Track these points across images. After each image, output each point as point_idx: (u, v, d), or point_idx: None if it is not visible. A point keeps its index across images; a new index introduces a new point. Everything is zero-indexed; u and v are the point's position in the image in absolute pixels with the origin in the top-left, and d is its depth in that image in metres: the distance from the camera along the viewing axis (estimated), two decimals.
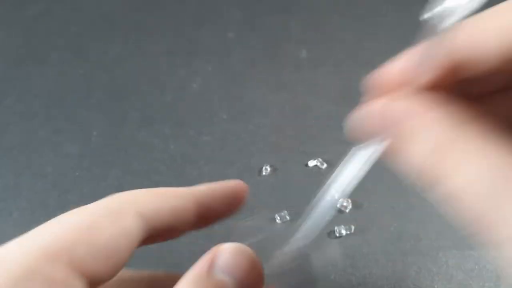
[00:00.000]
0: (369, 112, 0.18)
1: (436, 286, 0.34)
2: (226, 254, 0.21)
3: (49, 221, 0.21)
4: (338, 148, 0.43)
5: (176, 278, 0.20)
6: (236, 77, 0.51)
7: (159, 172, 0.41)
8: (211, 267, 0.20)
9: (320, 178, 0.40)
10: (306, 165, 0.41)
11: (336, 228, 0.36)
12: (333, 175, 0.23)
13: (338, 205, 0.38)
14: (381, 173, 0.40)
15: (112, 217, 0.21)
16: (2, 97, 0.49)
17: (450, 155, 0.15)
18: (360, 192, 0.39)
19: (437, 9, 0.17)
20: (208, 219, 0.26)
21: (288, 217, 0.37)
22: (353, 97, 0.48)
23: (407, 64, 0.18)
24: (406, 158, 0.17)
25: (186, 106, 0.47)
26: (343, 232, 0.36)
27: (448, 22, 0.16)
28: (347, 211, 0.38)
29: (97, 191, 0.40)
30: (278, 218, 0.37)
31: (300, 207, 0.38)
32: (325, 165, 0.41)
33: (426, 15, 0.17)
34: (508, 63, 0.17)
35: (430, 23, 0.16)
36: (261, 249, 0.22)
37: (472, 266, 0.35)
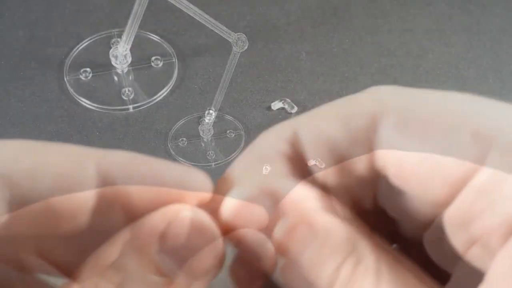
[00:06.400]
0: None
1: None
2: None
3: None
4: None
5: None
6: (237, 79, 0.52)
7: None
8: None
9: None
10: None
11: None
12: None
13: None
14: None
15: None
16: (5, 99, 0.49)
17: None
18: None
19: None
20: None
21: None
22: None
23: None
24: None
25: (187, 107, 0.48)
26: None
27: None
28: None
29: None
30: None
31: None
32: (323, 165, 0.42)
33: None
34: None
35: None
36: None
37: None
